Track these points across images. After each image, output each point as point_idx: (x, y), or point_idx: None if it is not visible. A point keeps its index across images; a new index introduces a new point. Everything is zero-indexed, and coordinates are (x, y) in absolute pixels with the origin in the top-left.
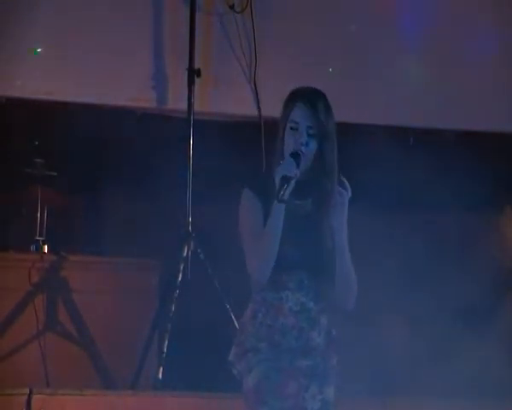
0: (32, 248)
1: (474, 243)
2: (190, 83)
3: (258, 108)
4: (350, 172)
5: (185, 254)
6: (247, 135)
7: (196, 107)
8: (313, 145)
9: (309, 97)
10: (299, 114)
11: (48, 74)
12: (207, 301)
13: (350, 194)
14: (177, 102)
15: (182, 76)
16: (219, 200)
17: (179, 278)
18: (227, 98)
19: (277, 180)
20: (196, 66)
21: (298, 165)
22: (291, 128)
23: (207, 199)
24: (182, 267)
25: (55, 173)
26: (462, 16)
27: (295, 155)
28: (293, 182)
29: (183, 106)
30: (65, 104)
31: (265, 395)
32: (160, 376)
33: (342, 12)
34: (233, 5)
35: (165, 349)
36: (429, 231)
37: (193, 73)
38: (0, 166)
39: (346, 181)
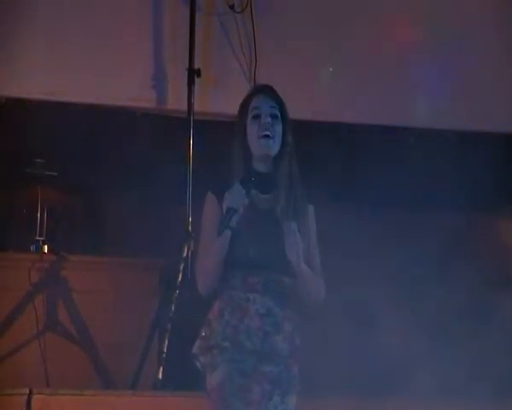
0: (32, 248)
1: (474, 242)
2: (190, 83)
3: None
4: (349, 172)
5: (185, 254)
6: None
7: (196, 107)
8: (278, 127)
9: (266, 87)
10: (259, 100)
11: (48, 74)
12: (207, 301)
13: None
14: (176, 102)
15: (182, 76)
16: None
17: (179, 279)
18: (227, 98)
19: (224, 209)
20: (196, 66)
21: (248, 192)
22: (253, 117)
23: None
24: (182, 267)
25: (55, 173)
26: (463, 16)
27: (245, 183)
28: (237, 215)
29: (183, 106)
30: (65, 104)
31: (229, 396)
32: (160, 376)
33: (343, 11)
34: (233, 5)
35: (165, 349)
36: (429, 230)
37: (193, 73)
38: (0, 165)
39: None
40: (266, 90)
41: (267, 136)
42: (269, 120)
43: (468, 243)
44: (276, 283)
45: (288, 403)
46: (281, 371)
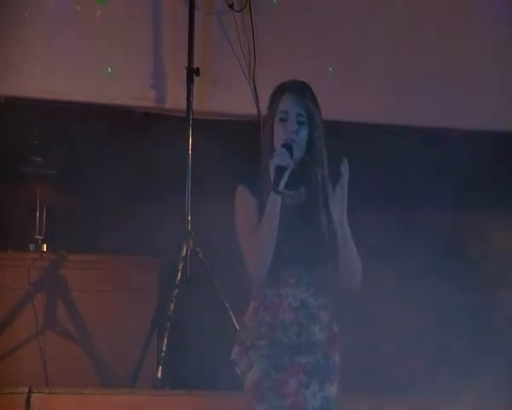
0: (31, 247)
1: (475, 242)
2: (189, 82)
3: (258, 106)
4: (350, 171)
5: (184, 253)
6: (246, 134)
7: (195, 106)
8: (304, 133)
9: (296, 87)
10: (287, 103)
11: (46, 73)
12: (206, 300)
13: (347, 176)
14: (176, 101)
15: (181, 75)
16: (218, 199)
17: (178, 277)
18: (226, 97)
19: (272, 171)
20: (195, 65)
21: (291, 155)
22: (280, 119)
23: (207, 198)
24: (181, 266)
25: (54, 172)
26: (462, 15)
27: (287, 146)
28: (287, 172)
29: (182, 105)
30: (64, 103)
31: (264, 392)
32: (160, 375)
33: (342, 10)
34: (232, 4)
35: (164, 348)
36: (430, 229)
37: (192, 72)
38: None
39: (346, 162)
40: (295, 92)
41: (287, 145)
42: (295, 128)
43: (469, 241)
44: (308, 275)
45: (329, 390)
46: (318, 360)
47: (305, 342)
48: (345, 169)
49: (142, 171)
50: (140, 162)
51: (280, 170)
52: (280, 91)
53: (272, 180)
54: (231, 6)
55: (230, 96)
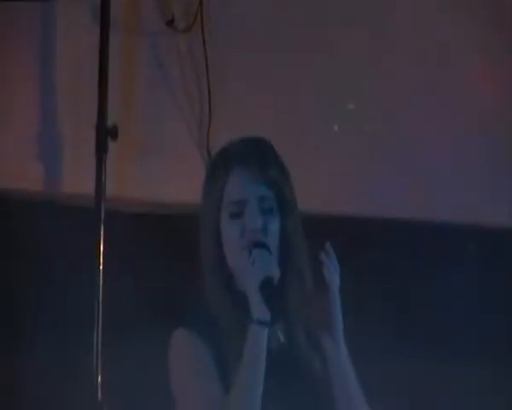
0: None
1: None
2: (100, 151)
3: None
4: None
5: None
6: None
7: (110, 190)
8: (275, 226)
9: (250, 152)
10: (241, 187)
11: None
12: None
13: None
14: (76, 181)
15: (86, 140)
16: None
17: None
18: (164, 173)
19: (252, 290)
20: (111, 121)
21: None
22: (231, 215)
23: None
24: None
25: None
26: None
27: (259, 243)
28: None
29: (87, 188)
30: None
31: None
32: None
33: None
34: (172, 20)
35: None
36: None
37: (104, 134)
38: None
39: (329, 249)
40: (248, 163)
41: (259, 242)
42: (259, 223)
43: None
44: None
45: None
46: None
47: None
48: (330, 260)
49: None
50: None
51: (268, 284)
52: (224, 164)
53: (255, 305)
54: (171, 23)
55: (172, 171)
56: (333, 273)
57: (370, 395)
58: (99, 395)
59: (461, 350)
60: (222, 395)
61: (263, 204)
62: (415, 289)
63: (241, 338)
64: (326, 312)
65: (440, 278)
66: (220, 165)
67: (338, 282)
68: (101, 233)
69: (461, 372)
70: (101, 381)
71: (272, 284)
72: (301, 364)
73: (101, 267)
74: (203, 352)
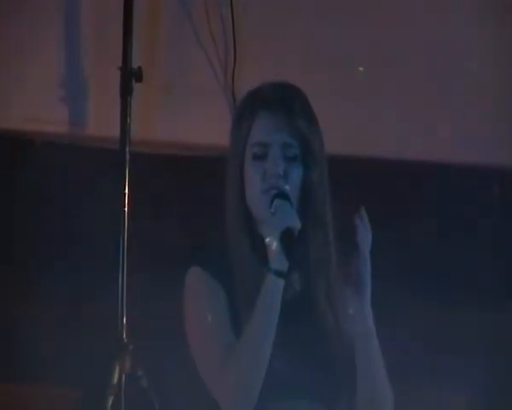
0: None
1: None
2: (125, 92)
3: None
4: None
5: (116, 379)
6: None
7: (135, 133)
8: (296, 175)
9: (278, 97)
10: (265, 129)
11: None
12: None
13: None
14: (101, 124)
15: (111, 81)
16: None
17: None
18: (187, 117)
19: (273, 239)
20: (136, 64)
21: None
22: (255, 157)
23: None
24: (111, 401)
25: None
26: None
27: (282, 194)
28: (296, 231)
29: (113, 131)
30: None
31: None
32: None
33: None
34: None
35: None
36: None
37: (129, 76)
38: None
39: (364, 213)
40: (276, 106)
41: (282, 193)
42: (280, 169)
43: None
44: None
45: None
46: None
47: None
48: (363, 224)
49: None
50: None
51: (289, 235)
52: (251, 107)
53: (274, 254)
54: None
55: (194, 116)
56: (365, 236)
57: (384, 341)
58: (124, 336)
59: (477, 296)
60: (233, 338)
61: (286, 151)
62: (431, 236)
63: (256, 285)
64: (355, 271)
65: (456, 222)
66: (247, 107)
67: (370, 244)
68: (126, 175)
69: (475, 317)
70: (126, 322)
71: (293, 236)
72: (313, 316)
73: (125, 209)
74: (217, 292)
